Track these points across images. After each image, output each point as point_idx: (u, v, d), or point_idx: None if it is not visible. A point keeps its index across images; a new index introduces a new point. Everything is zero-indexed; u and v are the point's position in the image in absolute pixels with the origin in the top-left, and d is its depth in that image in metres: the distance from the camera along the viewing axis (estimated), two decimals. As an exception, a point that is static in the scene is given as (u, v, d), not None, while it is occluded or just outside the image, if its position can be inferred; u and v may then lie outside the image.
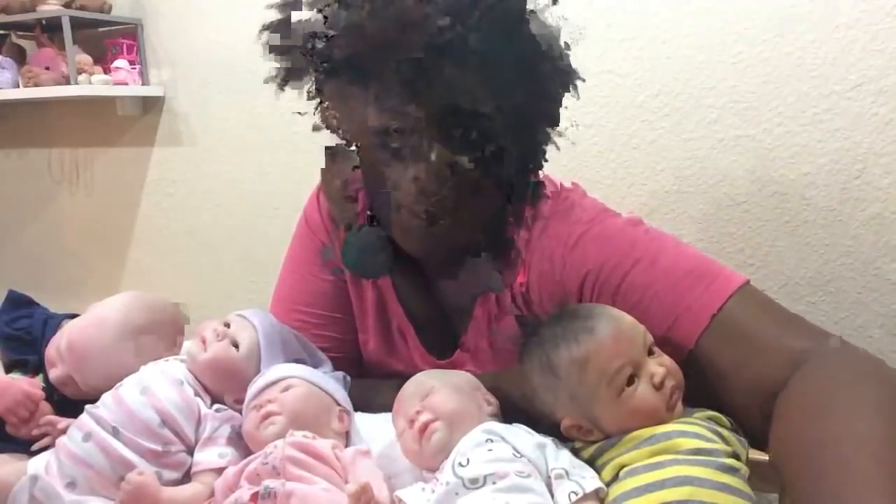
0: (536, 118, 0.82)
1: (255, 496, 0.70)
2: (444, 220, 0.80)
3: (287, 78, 0.84)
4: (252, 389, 0.83)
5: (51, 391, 0.89)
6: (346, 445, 0.83)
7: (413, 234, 0.83)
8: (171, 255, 2.29)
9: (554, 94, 0.82)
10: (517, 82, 0.77)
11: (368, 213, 0.92)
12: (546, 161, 0.88)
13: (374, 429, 0.86)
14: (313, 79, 0.84)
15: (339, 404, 0.85)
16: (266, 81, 0.84)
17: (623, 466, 0.69)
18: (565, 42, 0.83)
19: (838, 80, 1.43)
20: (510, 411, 0.80)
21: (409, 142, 0.77)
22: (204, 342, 0.85)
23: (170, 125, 2.19)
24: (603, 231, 0.84)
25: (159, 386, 0.82)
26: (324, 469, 0.74)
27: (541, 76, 0.80)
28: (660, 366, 0.72)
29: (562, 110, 0.88)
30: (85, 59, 2.07)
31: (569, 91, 0.85)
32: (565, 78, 0.83)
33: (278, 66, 0.84)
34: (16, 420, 0.85)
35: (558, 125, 0.86)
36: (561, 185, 0.92)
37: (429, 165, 0.77)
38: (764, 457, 0.72)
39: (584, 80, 0.84)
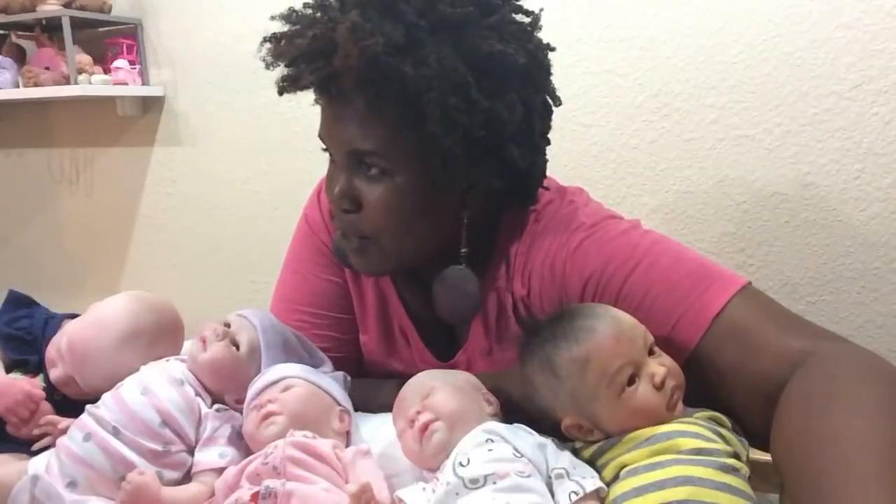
0: (499, 131, 0.80)
1: (255, 496, 0.70)
2: (375, 245, 0.84)
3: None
4: (252, 389, 0.83)
5: (51, 391, 0.89)
6: (347, 445, 0.83)
7: (350, 255, 0.87)
8: (171, 255, 2.29)
9: (523, 107, 0.81)
10: (470, 101, 0.76)
11: None
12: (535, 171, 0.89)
13: (375, 429, 0.86)
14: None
15: (339, 404, 0.85)
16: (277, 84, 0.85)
17: (623, 466, 0.69)
18: (540, 46, 0.83)
19: (838, 80, 1.43)
20: (511, 411, 0.80)
21: (376, 162, 0.80)
22: (204, 342, 0.85)
23: (170, 125, 2.19)
24: (604, 235, 0.84)
25: (160, 386, 0.82)
26: (324, 469, 0.74)
27: (502, 92, 0.79)
28: (660, 366, 0.72)
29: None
30: (85, 59, 2.07)
31: (546, 99, 0.86)
32: (530, 89, 0.82)
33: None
34: (16, 420, 0.85)
35: (536, 135, 0.86)
36: (566, 189, 0.92)
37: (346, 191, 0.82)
38: (764, 457, 0.72)
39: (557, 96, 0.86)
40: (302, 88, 0.81)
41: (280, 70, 0.82)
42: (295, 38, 0.79)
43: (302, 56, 0.78)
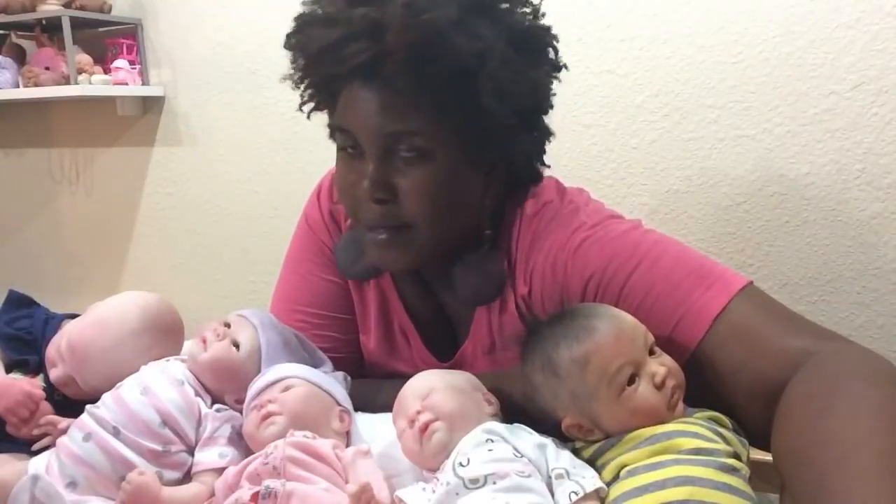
0: (542, 101, 0.84)
1: (255, 496, 0.70)
2: (404, 236, 0.83)
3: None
4: (252, 389, 0.83)
5: (51, 391, 0.89)
6: (347, 445, 0.83)
7: (376, 250, 0.85)
8: (171, 255, 2.29)
9: (548, 79, 0.85)
10: (518, 72, 0.78)
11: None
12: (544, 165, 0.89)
13: (375, 429, 0.86)
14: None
15: (339, 404, 0.85)
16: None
17: (624, 466, 0.69)
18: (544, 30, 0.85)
19: (838, 80, 1.43)
20: (511, 411, 0.80)
21: (416, 144, 0.79)
22: (204, 342, 0.85)
23: (170, 125, 2.19)
24: (605, 234, 0.83)
25: (160, 386, 0.82)
26: (324, 469, 0.74)
27: (539, 63, 0.82)
28: (661, 365, 0.72)
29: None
30: (85, 59, 2.07)
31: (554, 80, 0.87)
32: (550, 65, 0.86)
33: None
34: (16, 420, 0.85)
35: (541, 131, 0.87)
36: (566, 190, 0.92)
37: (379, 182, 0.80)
38: (764, 457, 0.72)
39: (563, 67, 0.87)
40: (337, 76, 0.80)
41: (290, 63, 0.83)
42: (339, 20, 0.78)
43: (349, 35, 0.77)
